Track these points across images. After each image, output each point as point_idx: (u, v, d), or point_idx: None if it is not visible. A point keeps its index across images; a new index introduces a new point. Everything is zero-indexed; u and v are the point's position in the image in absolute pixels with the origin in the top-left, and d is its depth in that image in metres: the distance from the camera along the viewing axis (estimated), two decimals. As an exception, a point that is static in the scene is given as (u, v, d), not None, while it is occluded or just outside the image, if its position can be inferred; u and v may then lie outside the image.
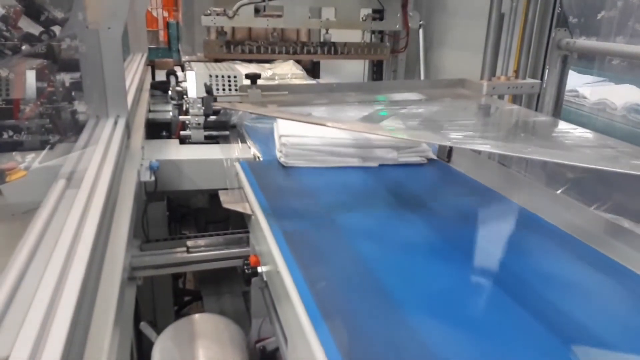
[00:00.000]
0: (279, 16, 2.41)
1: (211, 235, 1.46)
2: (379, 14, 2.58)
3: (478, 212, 1.26)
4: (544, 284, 0.89)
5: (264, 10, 2.40)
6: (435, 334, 0.74)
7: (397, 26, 2.59)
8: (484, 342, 0.73)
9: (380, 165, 1.52)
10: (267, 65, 3.09)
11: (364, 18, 2.55)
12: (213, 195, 1.46)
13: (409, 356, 0.69)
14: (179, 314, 2.12)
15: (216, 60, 2.52)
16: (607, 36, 1.68)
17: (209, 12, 2.32)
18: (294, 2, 2.38)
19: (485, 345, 0.72)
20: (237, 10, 2.31)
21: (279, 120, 1.59)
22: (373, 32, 2.74)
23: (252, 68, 2.77)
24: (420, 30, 2.62)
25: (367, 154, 1.54)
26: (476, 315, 0.80)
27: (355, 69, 3.20)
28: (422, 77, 2.66)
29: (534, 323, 0.77)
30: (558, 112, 1.82)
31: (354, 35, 2.75)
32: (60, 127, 1.61)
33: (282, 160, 1.50)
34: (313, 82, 2.92)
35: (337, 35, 2.61)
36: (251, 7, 2.34)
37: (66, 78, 1.71)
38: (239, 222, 1.44)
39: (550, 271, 0.94)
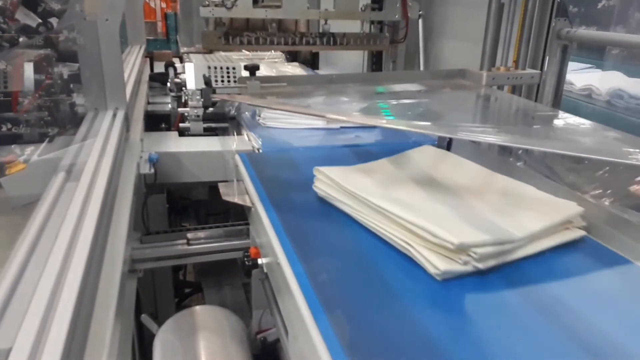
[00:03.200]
0: (278, 7, 2.40)
1: (211, 228, 1.46)
2: (378, 4, 2.57)
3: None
4: (543, 276, 0.89)
5: (263, 1, 2.40)
6: (435, 325, 0.74)
7: (397, 16, 2.58)
8: (483, 335, 0.73)
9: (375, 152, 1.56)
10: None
11: (362, 8, 2.54)
12: (213, 187, 1.46)
13: (410, 347, 0.70)
14: (179, 306, 2.13)
15: (211, 52, 2.52)
16: (607, 25, 1.67)
17: (207, 2, 2.31)
18: (292, -7, 2.39)
19: (484, 338, 0.73)
20: (236, 1, 2.31)
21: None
22: (372, 22, 2.73)
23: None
24: (420, 20, 2.61)
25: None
26: (476, 307, 0.80)
27: (355, 60, 3.19)
28: (421, 68, 2.65)
29: (542, 322, 0.77)
30: (558, 102, 1.82)
31: (353, 26, 2.74)
32: (59, 120, 1.61)
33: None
34: (295, 65, 2.91)
35: (336, 26, 2.60)
36: (249, -2, 2.35)
37: (64, 70, 1.70)
38: (239, 214, 1.44)
39: (550, 263, 0.94)
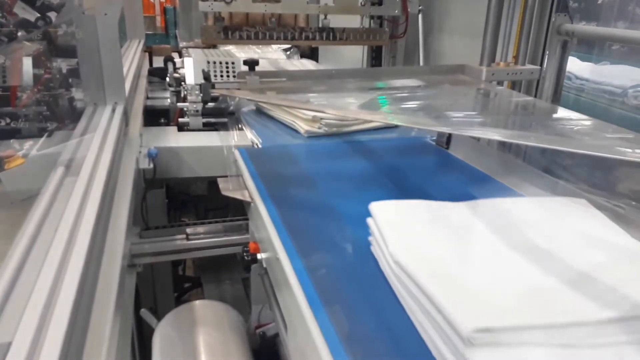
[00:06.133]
0: (277, 1, 2.39)
1: (210, 223, 1.46)
2: None
3: (477, 200, 1.27)
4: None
5: None
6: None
7: (396, 11, 2.57)
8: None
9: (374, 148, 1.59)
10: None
11: (362, 3, 2.54)
12: (212, 182, 1.46)
13: (408, 341, 0.70)
14: (179, 301, 2.14)
15: (213, 46, 2.50)
16: (607, 21, 1.67)
17: None
18: (292, -13, 2.38)
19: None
20: None
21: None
22: (372, 17, 2.72)
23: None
24: (420, 15, 2.60)
25: None
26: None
27: (354, 55, 3.18)
28: (421, 63, 2.64)
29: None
30: (557, 98, 1.81)
31: (352, 21, 2.73)
32: (58, 115, 1.61)
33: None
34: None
35: (336, 21, 2.59)
36: (249, -8, 2.34)
37: (63, 65, 1.70)
38: (238, 209, 1.44)
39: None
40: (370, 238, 0.91)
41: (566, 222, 0.90)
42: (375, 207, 0.93)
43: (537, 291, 0.70)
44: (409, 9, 2.54)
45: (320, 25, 2.55)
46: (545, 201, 1.02)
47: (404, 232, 0.85)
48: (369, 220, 0.92)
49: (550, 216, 0.93)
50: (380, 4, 2.56)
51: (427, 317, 0.67)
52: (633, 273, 0.75)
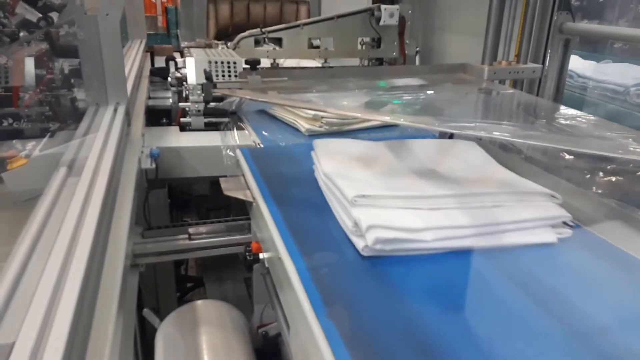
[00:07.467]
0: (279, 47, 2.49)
1: (213, 222, 1.47)
2: (376, 41, 2.64)
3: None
4: (544, 274, 0.89)
5: (264, 42, 2.49)
6: (437, 321, 0.75)
7: (394, 53, 2.65)
8: (480, 326, 0.74)
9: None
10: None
11: (361, 44, 2.65)
12: (214, 182, 1.46)
13: (411, 342, 0.70)
14: (181, 301, 2.14)
15: (209, 46, 2.53)
16: (609, 19, 1.67)
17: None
18: (292, 34, 2.48)
19: (478, 325, 0.73)
20: (238, 42, 2.40)
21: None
22: (370, 59, 2.80)
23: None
24: (417, 57, 2.69)
25: None
26: (474, 305, 0.81)
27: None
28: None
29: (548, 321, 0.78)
30: (560, 96, 1.81)
31: (352, 61, 2.82)
32: (60, 115, 1.61)
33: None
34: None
35: (336, 61, 2.71)
36: (251, 39, 2.46)
37: (65, 65, 1.70)
38: (241, 209, 1.44)
39: (552, 261, 0.94)
40: (313, 166, 1.23)
41: (449, 151, 1.28)
42: (317, 142, 1.29)
43: (405, 179, 1.10)
44: (406, 51, 2.63)
45: (321, 67, 2.65)
46: (444, 141, 1.38)
47: (333, 156, 1.19)
48: (312, 153, 1.26)
49: (439, 148, 1.30)
50: (379, 46, 2.67)
51: (336, 199, 1.03)
52: (475, 174, 1.14)
